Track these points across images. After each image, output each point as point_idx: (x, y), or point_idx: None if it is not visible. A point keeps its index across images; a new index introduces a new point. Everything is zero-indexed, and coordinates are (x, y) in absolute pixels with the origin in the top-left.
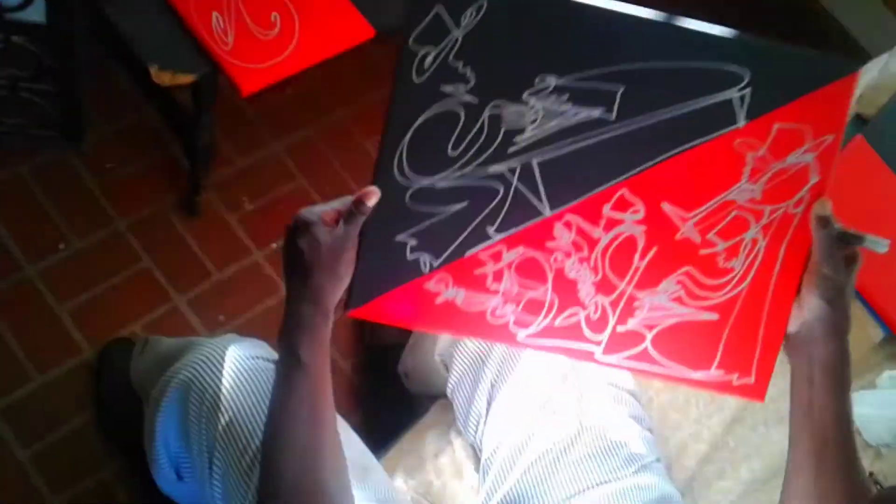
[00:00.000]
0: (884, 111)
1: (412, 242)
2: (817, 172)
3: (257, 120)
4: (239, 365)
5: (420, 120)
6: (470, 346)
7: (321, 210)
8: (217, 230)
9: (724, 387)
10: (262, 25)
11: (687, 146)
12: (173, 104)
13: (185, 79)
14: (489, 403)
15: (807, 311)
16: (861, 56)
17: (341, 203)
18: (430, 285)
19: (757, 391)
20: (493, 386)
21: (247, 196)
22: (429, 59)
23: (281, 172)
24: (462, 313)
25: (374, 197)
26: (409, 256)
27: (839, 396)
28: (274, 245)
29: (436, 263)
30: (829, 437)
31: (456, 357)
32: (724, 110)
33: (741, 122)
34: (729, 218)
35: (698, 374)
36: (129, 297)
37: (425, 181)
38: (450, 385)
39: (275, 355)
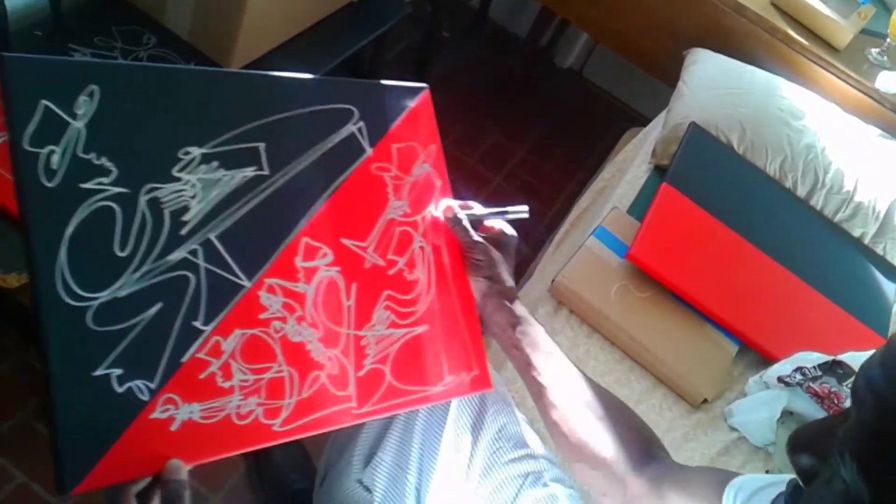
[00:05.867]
0: (676, 158)
1: (116, 372)
2: (437, 177)
3: None
4: None
5: (70, 228)
6: (386, 458)
7: None
8: None
9: (461, 389)
10: None
11: (338, 181)
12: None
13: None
14: None
15: (476, 292)
16: (638, 121)
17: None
18: (158, 413)
19: (484, 381)
20: (418, 490)
21: None
22: (55, 159)
23: None
24: (206, 429)
25: (177, 472)
26: (120, 389)
27: (537, 344)
28: None
29: (153, 385)
30: (551, 378)
31: (377, 474)
32: (353, 143)
33: (369, 150)
34: (396, 235)
35: (439, 388)
36: None
37: (103, 295)
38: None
39: None
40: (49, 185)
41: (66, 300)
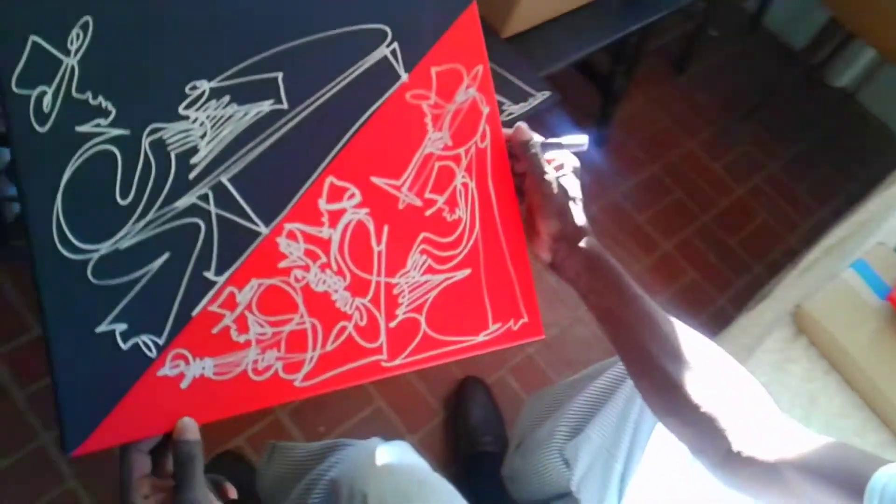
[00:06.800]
0: None
1: (121, 327)
2: (485, 103)
3: None
4: (390, 468)
5: (66, 176)
6: (595, 438)
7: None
8: None
9: (508, 337)
10: None
11: (368, 113)
12: None
13: None
14: (620, 496)
15: (546, 235)
16: None
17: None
18: (167, 370)
19: (534, 328)
20: (622, 479)
21: None
22: (47, 101)
23: None
24: (220, 386)
25: (189, 432)
26: (125, 345)
27: (619, 287)
28: None
29: (161, 341)
30: (637, 324)
31: (581, 451)
32: (385, 68)
33: (404, 75)
34: (435, 171)
35: (482, 336)
36: None
37: (104, 247)
38: (574, 481)
39: (421, 462)
40: (41, 129)
41: (63, 253)
